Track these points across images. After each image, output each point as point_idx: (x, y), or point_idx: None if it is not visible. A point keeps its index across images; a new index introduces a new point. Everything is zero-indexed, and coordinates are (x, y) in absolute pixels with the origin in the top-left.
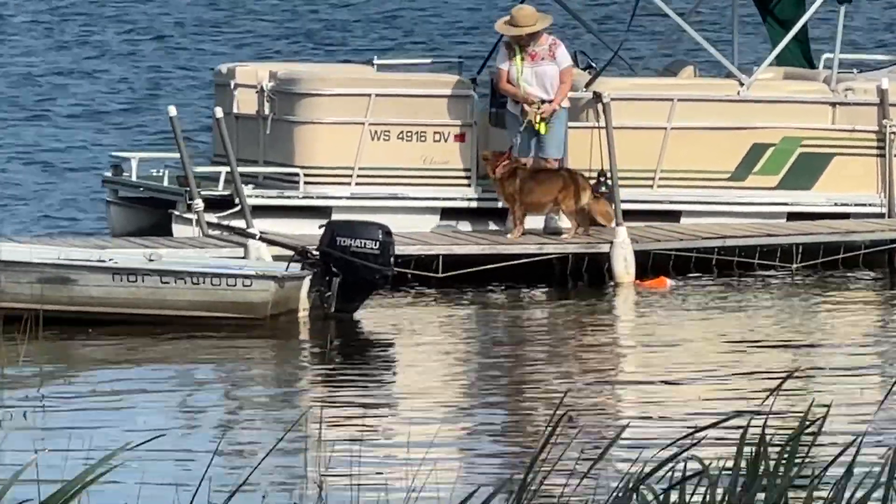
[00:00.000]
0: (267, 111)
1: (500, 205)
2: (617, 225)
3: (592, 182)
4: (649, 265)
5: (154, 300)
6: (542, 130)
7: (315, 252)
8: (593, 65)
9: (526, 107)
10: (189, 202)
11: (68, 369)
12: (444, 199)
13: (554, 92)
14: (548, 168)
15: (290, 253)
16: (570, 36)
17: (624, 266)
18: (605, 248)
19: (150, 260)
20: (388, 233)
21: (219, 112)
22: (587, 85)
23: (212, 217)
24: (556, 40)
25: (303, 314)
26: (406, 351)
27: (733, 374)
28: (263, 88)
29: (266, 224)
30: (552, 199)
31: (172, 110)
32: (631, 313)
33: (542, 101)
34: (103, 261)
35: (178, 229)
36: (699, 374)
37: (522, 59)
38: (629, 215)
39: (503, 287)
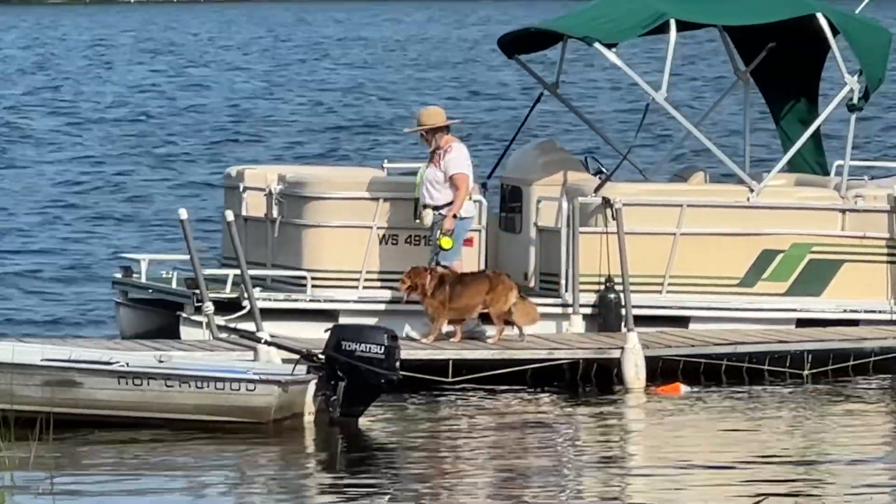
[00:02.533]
0: (275, 214)
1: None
2: (628, 330)
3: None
4: (658, 371)
5: (159, 404)
6: (444, 245)
7: (321, 356)
8: (604, 170)
9: (421, 210)
10: (198, 304)
11: (77, 473)
12: None
13: (434, 197)
14: (473, 272)
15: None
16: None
17: (635, 372)
18: (615, 354)
19: (161, 362)
20: (393, 337)
21: (230, 215)
22: (596, 190)
23: (220, 320)
24: (450, 147)
25: (308, 418)
26: (414, 458)
27: (739, 497)
28: (272, 191)
29: (274, 327)
30: (480, 301)
31: (183, 213)
32: (641, 422)
33: (425, 206)
34: (113, 363)
35: (186, 332)
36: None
37: (431, 160)
38: (638, 320)
39: (514, 392)
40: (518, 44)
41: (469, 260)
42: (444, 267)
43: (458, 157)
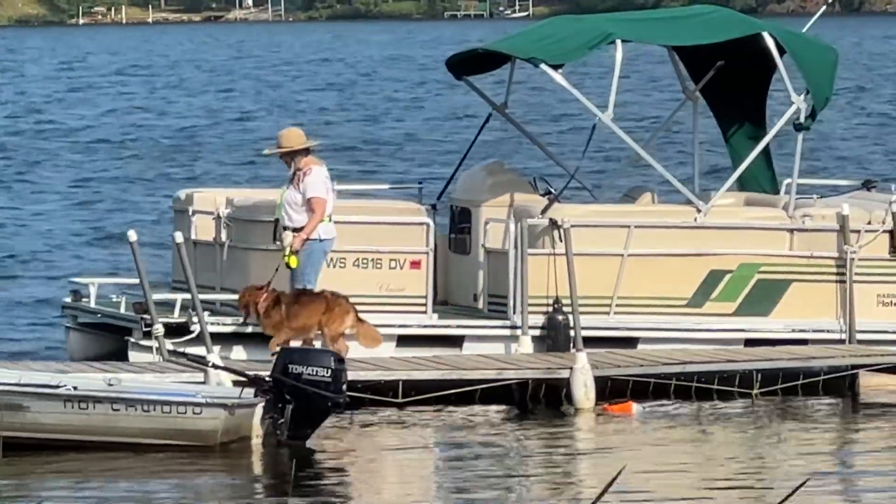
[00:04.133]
0: (224, 237)
1: (455, 332)
2: (577, 350)
3: None
4: (607, 391)
5: (106, 427)
6: (291, 264)
7: (268, 379)
8: (552, 190)
9: (281, 232)
10: (147, 329)
11: (25, 498)
12: (401, 325)
13: (293, 219)
14: (311, 291)
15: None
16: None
17: (584, 392)
18: (564, 374)
19: (110, 385)
20: (340, 360)
21: (179, 237)
22: (543, 211)
23: (169, 344)
24: (309, 169)
25: (256, 441)
26: (363, 480)
27: None
28: (220, 215)
29: (224, 351)
30: (316, 321)
31: (132, 235)
32: (590, 441)
33: (285, 228)
34: (61, 386)
35: (135, 355)
36: None
37: (291, 182)
38: (587, 342)
39: (462, 412)
40: (466, 65)
41: (418, 283)
42: (301, 290)
43: (315, 181)
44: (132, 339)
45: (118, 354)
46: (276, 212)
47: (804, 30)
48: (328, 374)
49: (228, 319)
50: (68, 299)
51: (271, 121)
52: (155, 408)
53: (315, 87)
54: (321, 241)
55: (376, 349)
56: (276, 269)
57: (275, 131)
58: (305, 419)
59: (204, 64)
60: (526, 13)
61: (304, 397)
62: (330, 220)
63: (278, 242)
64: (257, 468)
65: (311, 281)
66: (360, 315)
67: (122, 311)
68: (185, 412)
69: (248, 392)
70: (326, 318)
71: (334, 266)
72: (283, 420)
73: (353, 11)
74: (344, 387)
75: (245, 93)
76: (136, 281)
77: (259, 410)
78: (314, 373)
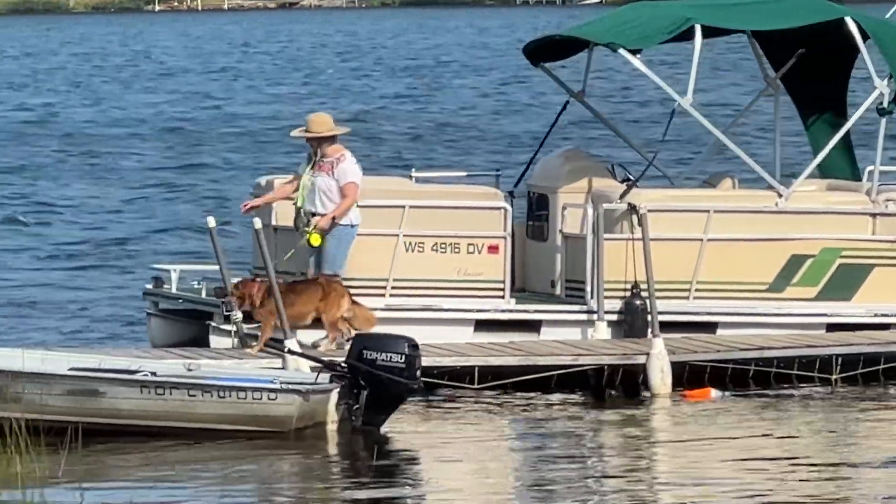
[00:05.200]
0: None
1: (532, 317)
2: (654, 336)
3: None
4: (685, 377)
5: (182, 413)
6: (313, 242)
7: (343, 365)
8: (631, 176)
9: (309, 219)
10: (227, 314)
11: (105, 485)
12: (478, 310)
13: (327, 207)
14: (304, 279)
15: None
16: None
17: (660, 377)
18: (641, 360)
19: (189, 370)
20: (414, 346)
21: (258, 223)
22: (622, 196)
23: (247, 329)
24: (342, 155)
25: (331, 427)
26: (438, 466)
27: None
28: None
29: (305, 335)
30: (313, 308)
31: (211, 221)
32: (667, 428)
33: (313, 215)
34: (139, 372)
35: (216, 341)
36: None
37: (312, 168)
38: (665, 327)
39: (538, 398)
40: (543, 52)
41: (495, 267)
42: (332, 276)
43: (350, 168)
44: (213, 324)
45: (199, 340)
46: (299, 200)
47: (888, 15)
48: (402, 360)
49: None
50: (149, 286)
51: (346, 107)
52: (230, 394)
53: (392, 74)
54: (352, 226)
55: (371, 330)
56: (293, 252)
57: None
58: (380, 405)
59: (286, 51)
60: (598, 0)
61: (379, 383)
62: (356, 206)
63: (306, 229)
64: (332, 453)
65: (341, 266)
66: (354, 298)
67: (203, 296)
68: (261, 398)
69: (324, 378)
70: (324, 305)
71: (412, 251)
72: (357, 406)
73: None
74: (418, 373)
75: (327, 81)
76: (217, 267)
77: (334, 396)
78: (388, 358)
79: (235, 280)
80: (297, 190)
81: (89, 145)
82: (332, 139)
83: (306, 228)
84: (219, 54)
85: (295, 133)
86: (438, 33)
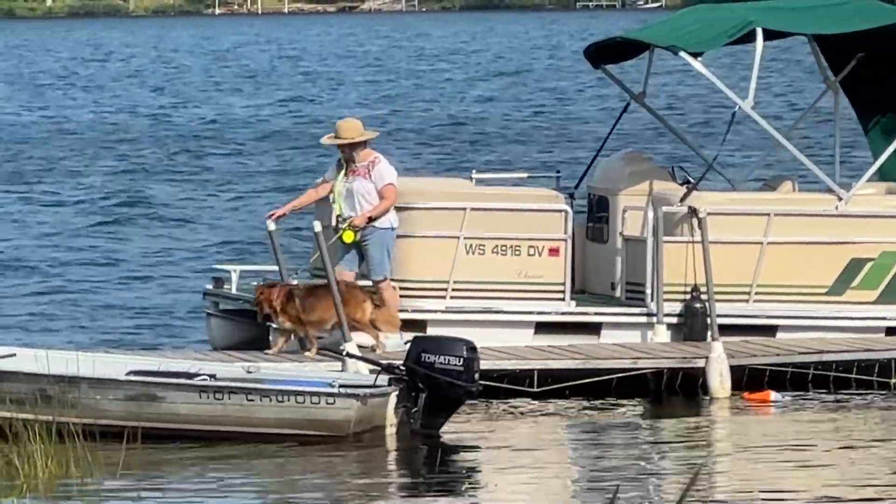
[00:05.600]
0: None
1: (592, 319)
2: (713, 339)
3: None
4: (744, 380)
5: (240, 418)
6: (345, 238)
7: (401, 367)
8: (690, 179)
9: (335, 223)
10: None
11: (162, 489)
12: (539, 312)
13: (364, 209)
14: (323, 284)
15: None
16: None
17: (719, 381)
18: (700, 363)
19: (249, 373)
20: (472, 349)
21: (318, 226)
22: (682, 199)
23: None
24: (377, 158)
25: (390, 430)
26: (497, 469)
27: None
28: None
29: (362, 337)
30: (335, 314)
31: (271, 224)
32: (726, 431)
33: (349, 219)
34: (198, 375)
35: (276, 342)
36: None
37: (346, 174)
38: (725, 330)
39: (597, 401)
40: (604, 53)
41: (556, 270)
42: (376, 282)
43: (387, 170)
44: (274, 325)
45: (258, 341)
46: (336, 207)
47: None
48: (460, 364)
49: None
50: (210, 286)
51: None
52: (288, 398)
53: (458, 77)
54: (392, 229)
55: (394, 332)
56: (318, 252)
57: (421, 122)
58: (438, 408)
59: (353, 55)
60: (659, 3)
61: (437, 386)
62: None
63: (341, 226)
64: (390, 457)
65: (385, 269)
66: (376, 300)
67: None
68: (319, 402)
69: (383, 380)
70: (346, 310)
71: (473, 253)
72: (416, 409)
73: (485, 1)
74: (476, 376)
75: (399, 83)
76: (276, 268)
77: (392, 399)
78: (447, 362)
79: (256, 284)
80: (329, 194)
81: (205, 145)
82: (362, 144)
83: (341, 225)
84: (299, 58)
85: (325, 140)
86: (512, 36)
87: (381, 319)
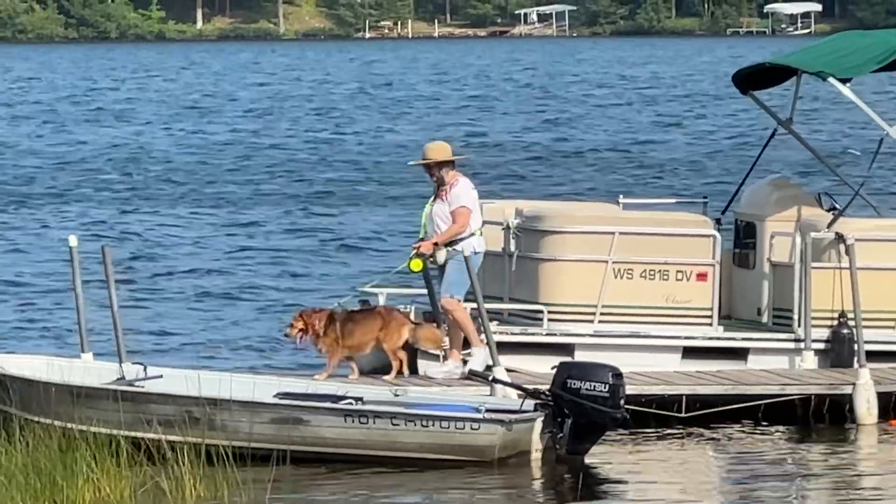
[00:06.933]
0: (512, 248)
1: (739, 345)
2: (860, 366)
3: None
4: (892, 407)
5: (385, 442)
6: (414, 267)
7: (547, 393)
8: (837, 206)
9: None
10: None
11: None
12: (686, 337)
13: (441, 231)
14: (363, 308)
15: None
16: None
17: (866, 408)
18: (847, 390)
19: (396, 396)
20: (618, 375)
21: (467, 250)
22: (829, 225)
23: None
24: (456, 180)
25: (535, 456)
26: (645, 495)
27: None
28: (509, 225)
29: (510, 360)
30: (373, 337)
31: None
32: (873, 459)
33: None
34: (345, 398)
35: (424, 365)
36: None
37: (434, 197)
38: (872, 356)
39: (744, 427)
40: (752, 80)
41: (704, 295)
42: (448, 298)
43: (461, 192)
44: (420, 349)
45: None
46: (421, 230)
47: None
48: (606, 390)
49: (516, 329)
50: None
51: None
52: (433, 423)
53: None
54: (476, 253)
55: (436, 349)
56: (394, 271)
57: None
58: (584, 434)
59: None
60: (808, 30)
61: (583, 412)
62: (479, 234)
63: (431, 260)
64: (536, 483)
65: (458, 291)
66: (416, 321)
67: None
68: (464, 427)
69: (529, 406)
70: (384, 335)
71: (621, 277)
72: (562, 434)
73: (636, 27)
74: (622, 402)
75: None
76: (425, 291)
77: (538, 425)
78: (592, 388)
79: (299, 309)
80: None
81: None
82: (448, 165)
83: (435, 262)
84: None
85: (411, 162)
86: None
87: (422, 337)
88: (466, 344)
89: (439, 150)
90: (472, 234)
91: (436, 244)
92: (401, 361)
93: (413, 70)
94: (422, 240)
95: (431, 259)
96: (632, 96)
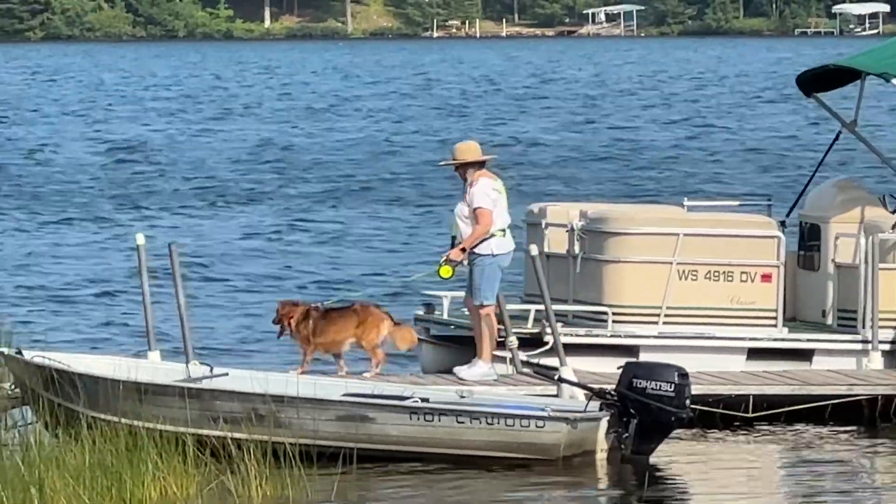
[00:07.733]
0: (577, 250)
1: (804, 346)
2: None
3: None
4: None
5: (450, 440)
6: (443, 274)
7: (613, 393)
8: None
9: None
10: (501, 339)
11: None
12: (751, 339)
13: (466, 233)
14: (340, 307)
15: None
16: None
17: None
18: None
19: (462, 397)
20: (683, 375)
21: (534, 250)
22: (894, 226)
23: (523, 355)
24: (478, 179)
25: (601, 455)
26: (710, 496)
27: None
28: (574, 227)
29: (575, 362)
30: (349, 336)
31: (534, 249)
32: None
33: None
34: (409, 398)
35: (455, 369)
36: None
37: (463, 197)
38: None
39: (811, 428)
40: (816, 81)
41: (768, 296)
42: (481, 305)
43: (479, 192)
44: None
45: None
46: (451, 229)
47: None
48: (671, 389)
49: (581, 330)
50: (420, 311)
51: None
52: (498, 421)
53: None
54: (494, 255)
55: (412, 349)
56: (415, 278)
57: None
58: (649, 434)
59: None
60: (876, 31)
61: (648, 412)
62: (504, 234)
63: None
64: (601, 483)
65: (487, 297)
66: (394, 318)
67: None
68: (529, 425)
69: (594, 406)
70: (361, 332)
71: (685, 279)
72: (627, 434)
73: (704, 27)
74: (687, 401)
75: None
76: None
77: (603, 425)
78: (658, 387)
79: (280, 300)
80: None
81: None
82: (475, 165)
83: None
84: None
85: (442, 163)
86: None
87: (399, 337)
88: (471, 350)
89: (466, 150)
90: (493, 236)
91: (463, 249)
92: (379, 359)
93: (514, 69)
94: (453, 238)
95: (461, 265)
96: (698, 96)
